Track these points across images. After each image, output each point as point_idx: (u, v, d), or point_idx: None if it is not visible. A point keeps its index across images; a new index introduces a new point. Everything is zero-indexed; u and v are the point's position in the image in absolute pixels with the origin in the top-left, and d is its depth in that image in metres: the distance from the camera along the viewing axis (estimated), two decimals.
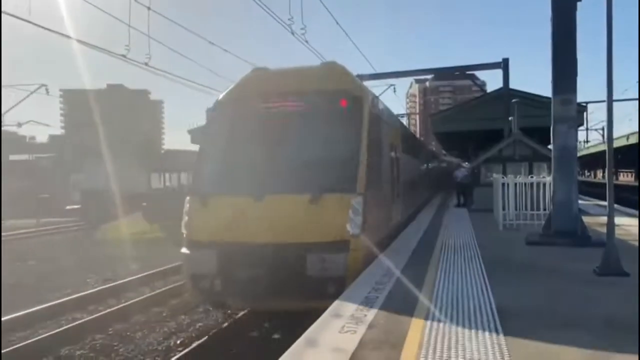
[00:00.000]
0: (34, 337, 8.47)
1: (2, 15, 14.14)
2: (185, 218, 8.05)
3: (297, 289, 7.03)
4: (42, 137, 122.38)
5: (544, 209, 11.78)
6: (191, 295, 8.76)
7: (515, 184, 12.40)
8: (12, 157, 39.19)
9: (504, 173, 14.92)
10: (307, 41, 19.55)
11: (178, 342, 8.56)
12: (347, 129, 8.04)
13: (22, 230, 25.36)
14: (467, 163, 30.70)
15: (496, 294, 5.73)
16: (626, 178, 54.55)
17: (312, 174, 7.66)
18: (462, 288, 6.07)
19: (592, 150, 52.05)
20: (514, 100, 17.13)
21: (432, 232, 11.56)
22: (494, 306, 5.25)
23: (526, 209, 12.33)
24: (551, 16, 9.83)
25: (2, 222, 25.74)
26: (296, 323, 6.15)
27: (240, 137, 8.54)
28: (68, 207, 32.97)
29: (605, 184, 7.35)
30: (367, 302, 5.45)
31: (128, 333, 8.98)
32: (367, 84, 23.07)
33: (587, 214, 13.94)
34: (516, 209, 12.39)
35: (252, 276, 7.15)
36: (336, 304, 5.50)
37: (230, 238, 7.43)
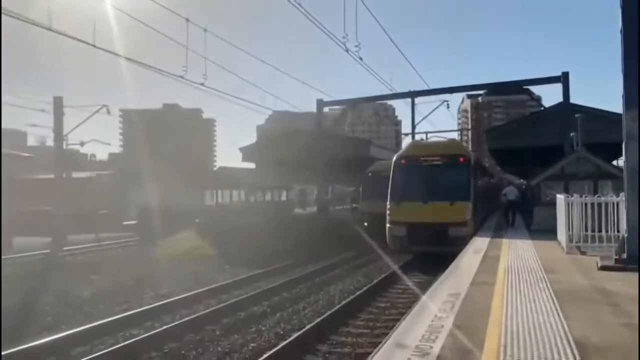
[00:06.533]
0: (92, 354, 8.64)
1: (79, 41, 15.34)
2: (388, 211, 17.48)
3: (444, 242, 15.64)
4: (102, 155, 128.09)
5: (606, 231, 11.04)
6: (390, 245, 17.79)
7: (582, 204, 11.57)
8: (75, 175, 40.83)
9: (566, 191, 14.11)
10: (361, 58, 19.47)
11: None
12: (463, 171, 17.45)
13: (83, 245, 26.28)
14: (522, 180, 29.50)
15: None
16: None
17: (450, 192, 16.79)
18: None
19: None
20: (577, 115, 16.32)
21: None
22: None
23: (593, 230, 11.51)
24: (621, 28, 9.30)
25: (67, 236, 26.94)
26: None
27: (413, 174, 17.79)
28: (125, 223, 34.10)
29: None
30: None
31: (182, 352, 9.00)
32: (420, 99, 27.04)
33: None
34: (585, 230, 11.58)
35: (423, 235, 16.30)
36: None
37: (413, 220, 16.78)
